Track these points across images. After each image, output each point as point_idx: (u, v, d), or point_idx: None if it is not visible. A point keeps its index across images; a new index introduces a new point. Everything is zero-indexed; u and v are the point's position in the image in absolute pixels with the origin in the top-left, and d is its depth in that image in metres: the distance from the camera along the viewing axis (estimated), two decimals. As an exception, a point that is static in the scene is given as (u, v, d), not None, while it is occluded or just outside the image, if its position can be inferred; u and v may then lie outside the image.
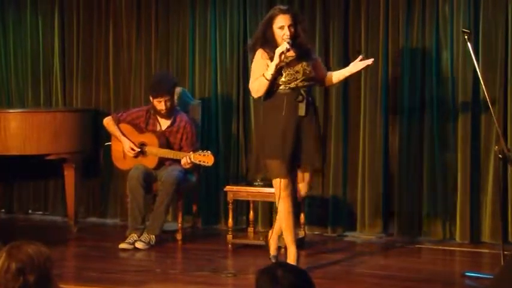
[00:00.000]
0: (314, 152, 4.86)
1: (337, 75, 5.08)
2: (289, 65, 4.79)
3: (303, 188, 5.04)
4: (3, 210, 7.24)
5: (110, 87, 6.89)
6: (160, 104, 5.89)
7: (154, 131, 5.99)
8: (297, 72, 4.80)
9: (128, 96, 6.84)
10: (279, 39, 4.78)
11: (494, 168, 5.71)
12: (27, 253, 2.39)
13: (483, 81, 4.84)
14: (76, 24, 6.97)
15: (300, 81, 4.80)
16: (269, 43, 4.80)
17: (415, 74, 6.04)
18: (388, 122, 6.14)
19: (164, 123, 6.00)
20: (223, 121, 6.55)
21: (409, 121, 6.06)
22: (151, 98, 5.95)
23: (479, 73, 4.86)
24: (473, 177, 5.88)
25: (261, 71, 4.79)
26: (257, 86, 4.85)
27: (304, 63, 4.83)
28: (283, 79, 4.78)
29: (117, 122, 6.05)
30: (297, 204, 5.14)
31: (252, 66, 4.93)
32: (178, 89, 6.26)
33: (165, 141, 5.96)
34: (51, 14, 7.03)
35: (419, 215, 6.05)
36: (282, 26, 4.76)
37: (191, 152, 5.77)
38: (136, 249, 5.72)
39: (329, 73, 5.13)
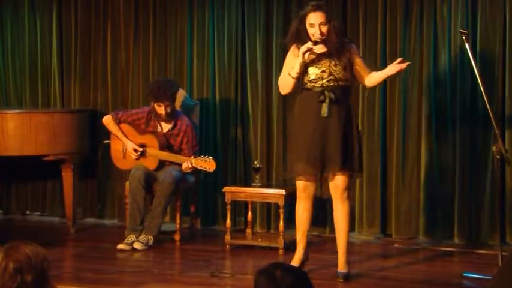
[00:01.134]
0: (335, 155, 4.71)
1: (373, 77, 4.88)
2: (316, 63, 4.74)
3: (333, 191, 4.85)
4: (1, 211, 7.24)
5: (108, 88, 6.89)
6: (160, 109, 5.89)
7: (154, 132, 5.99)
8: (323, 71, 4.73)
9: (125, 96, 6.83)
10: (311, 36, 4.73)
11: (492, 169, 5.71)
12: (25, 253, 2.39)
13: (481, 82, 4.84)
14: (74, 24, 6.97)
15: (326, 81, 4.73)
16: (302, 39, 4.73)
17: (412, 75, 6.03)
18: (385, 123, 6.14)
19: (165, 126, 6.00)
20: (221, 122, 6.55)
21: (406, 121, 6.06)
22: (152, 102, 5.96)
23: (477, 73, 4.85)
24: (472, 178, 5.88)
25: (290, 68, 4.77)
26: (283, 83, 4.85)
27: (333, 63, 4.75)
28: (308, 78, 4.75)
29: (118, 122, 6.05)
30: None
31: (284, 62, 4.90)
32: (181, 93, 6.25)
33: (165, 142, 5.96)
34: (49, 14, 7.03)
35: (417, 216, 6.04)
36: (312, 24, 4.70)
37: (192, 157, 5.77)
38: (134, 249, 5.72)
39: (371, 73, 4.91)
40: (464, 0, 5.85)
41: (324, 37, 4.69)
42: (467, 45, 4.83)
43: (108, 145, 6.15)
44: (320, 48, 4.73)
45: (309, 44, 4.65)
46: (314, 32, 4.69)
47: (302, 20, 4.75)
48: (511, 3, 5.77)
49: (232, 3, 6.48)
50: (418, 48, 6.02)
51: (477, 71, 4.86)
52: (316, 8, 4.72)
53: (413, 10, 6.01)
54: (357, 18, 6.16)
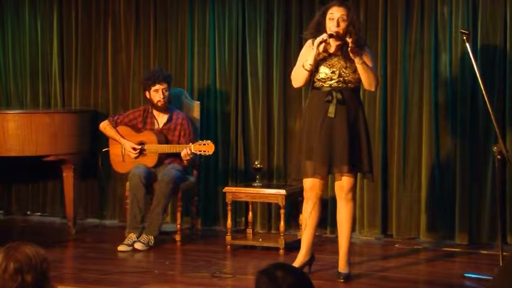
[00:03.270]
0: (342, 156, 4.68)
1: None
2: (327, 63, 4.73)
3: (338, 192, 4.82)
4: (1, 212, 7.24)
5: (109, 88, 6.89)
6: (158, 94, 5.90)
7: (152, 129, 6.00)
8: (333, 72, 4.72)
9: (126, 96, 6.83)
10: (328, 29, 4.69)
11: (493, 169, 5.70)
12: (25, 253, 2.39)
13: (481, 82, 4.84)
14: (75, 24, 6.97)
15: (335, 82, 4.72)
16: (320, 33, 4.69)
17: (413, 75, 6.04)
18: (386, 123, 6.14)
19: (161, 120, 6.01)
20: (221, 121, 6.55)
21: (407, 122, 6.06)
22: (147, 93, 5.98)
23: (477, 74, 4.85)
24: (472, 178, 5.88)
25: (304, 60, 4.74)
26: (295, 75, 4.82)
27: (343, 64, 4.72)
28: (318, 76, 4.73)
29: (115, 125, 6.05)
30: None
31: (299, 55, 4.87)
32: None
33: (164, 139, 5.97)
34: (50, 14, 7.03)
35: (418, 216, 6.04)
36: (332, 17, 4.67)
37: (191, 143, 5.78)
38: (135, 250, 5.71)
39: None
40: (465, 0, 5.85)
41: (339, 31, 4.64)
42: (468, 45, 4.83)
43: (107, 152, 6.14)
44: (334, 41, 4.69)
45: (324, 36, 4.62)
46: (331, 25, 4.66)
47: (324, 13, 4.73)
48: (511, 4, 5.77)
49: (233, 2, 6.48)
50: (419, 48, 6.02)
51: (478, 71, 4.86)
52: (340, 4, 4.71)
53: (413, 11, 6.01)
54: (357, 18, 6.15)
